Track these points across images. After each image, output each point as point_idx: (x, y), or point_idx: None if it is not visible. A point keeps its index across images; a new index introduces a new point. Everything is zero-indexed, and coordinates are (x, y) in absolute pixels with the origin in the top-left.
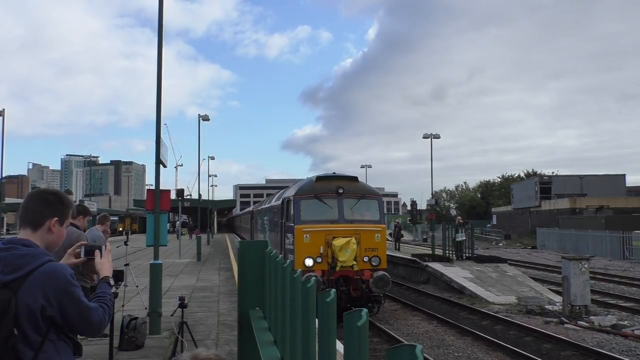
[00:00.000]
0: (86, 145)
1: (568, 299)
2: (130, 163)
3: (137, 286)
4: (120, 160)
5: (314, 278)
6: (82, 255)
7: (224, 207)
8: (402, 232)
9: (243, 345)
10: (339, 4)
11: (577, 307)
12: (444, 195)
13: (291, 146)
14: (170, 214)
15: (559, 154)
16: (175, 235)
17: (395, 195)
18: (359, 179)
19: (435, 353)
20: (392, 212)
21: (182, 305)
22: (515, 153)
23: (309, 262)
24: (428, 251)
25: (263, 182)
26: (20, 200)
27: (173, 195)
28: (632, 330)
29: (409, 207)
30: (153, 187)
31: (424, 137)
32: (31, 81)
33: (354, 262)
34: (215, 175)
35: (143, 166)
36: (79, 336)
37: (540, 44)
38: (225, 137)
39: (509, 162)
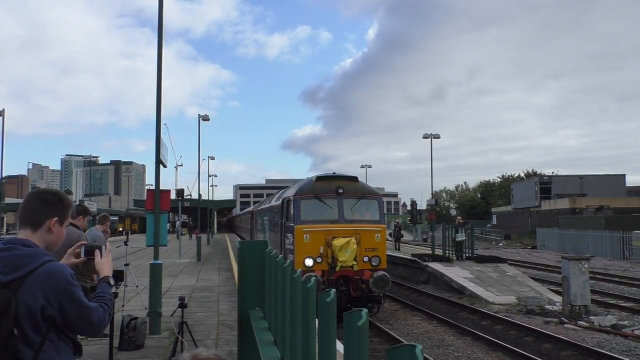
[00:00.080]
0: (86, 145)
1: (568, 299)
2: (130, 163)
3: (137, 286)
4: (120, 160)
5: (314, 278)
6: (82, 255)
7: (224, 207)
8: (402, 232)
9: (243, 345)
10: (339, 4)
11: (577, 307)
12: (444, 195)
13: (291, 146)
14: (170, 214)
15: (559, 154)
16: (175, 235)
17: (395, 195)
18: (359, 179)
19: (435, 353)
20: (392, 212)
21: (182, 305)
22: (515, 153)
23: (309, 262)
24: (428, 251)
25: (263, 182)
26: (20, 200)
27: (173, 195)
28: (632, 330)
29: (409, 207)
30: (153, 187)
31: (424, 137)
32: (31, 81)
33: (354, 262)
34: (215, 175)
35: (143, 166)
36: (79, 336)
37: (540, 44)
38: (225, 137)
39: (509, 162)
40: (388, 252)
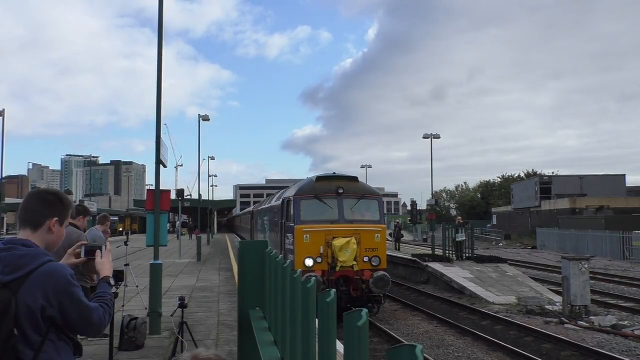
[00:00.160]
0: (86, 145)
1: (568, 299)
2: (130, 163)
3: (137, 286)
4: (120, 160)
5: (314, 278)
6: (82, 255)
7: (224, 207)
8: (402, 232)
9: (243, 345)
10: (339, 4)
11: (577, 307)
12: (444, 195)
13: (291, 146)
14: (170, 214)
15: (559, 154)
16: (175, 235)
17: (395, 195)
18: (359, 179)
19: (435, 353)
20: (392, 212)
21: (182, 305)
22: (515, 153)
23: (309, 262)
24: (428, 251)
25: (263, 182)
26: (20, 200)
27: (173, 195)
28: (632, 330)
29: (409, 207)
30: (153, 187)
31: (424, 137)
32: (31, 81)
33: (354, 262)
34: (215, 175)
35: (143, 166)
36: (79, 336)
37: (540, 44)
38: (225, 137)
39: (509, 162)
40: (388, 252)
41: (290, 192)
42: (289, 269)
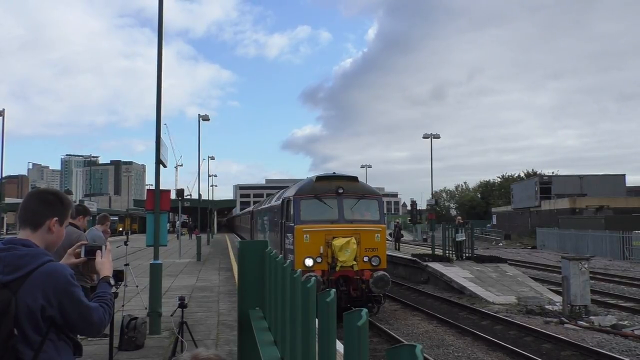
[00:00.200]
0: (86, 145)
1: (568, 299)
2: (130, 163)
3: (137, 286)
4: (120, 160)
5: (314, 278)
6: (82, 255)
7: (224, 207)
8: (402, 232)
9: (243, 345)
10: (339, 4)
11: (577, 307)
12: (444, 195)
13: (291, 146)
14: (170, 214)
15: (559, 154)
16: (175, 235)
17: (395, 195)
18: (359, 179)
19: (435, 353)
20: (392, 212)
21: (182, 305)
22: (515, 153)
23: (309, 262)
24: (428, 251)
25: (263, 182)
26: (20, 200)
27: (173, 195)
28: (632, 330)
29: (409, 207)
30: (153, 187)
31: (424, 137)
32: (31, 81)
33: (354, 262)
34: (215, 175)
35: (143, 166)
36: (79, 336)
37: (540, 44)
38: (225, 137)
39: (509, 162)
40: (388, 252)
41: (290, 192)
42: (289, 269)
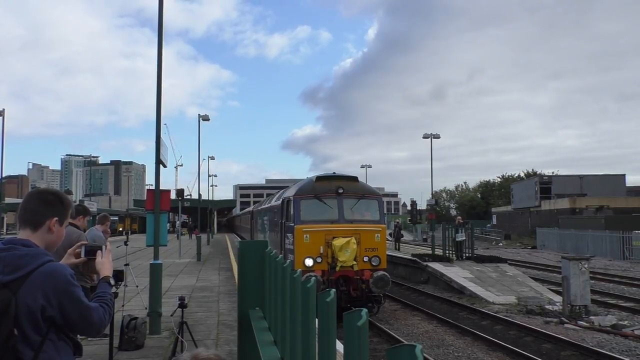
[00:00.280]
0: (86, 145)
1: (568, 299)
2: (130, 163)
3: (137, 286)
4: (120, 160)
5: (314, 278)
6: (82, 255)
7: (224, 207)
8: (402, 232)
9: (243, 345)
10: (339, 4)
11: (577, 307)
12: (444, 195)
13: (291, 146)
14: (170, 214)
15: (559, 154)
16: (175, 235)
17: (395, 195)
18: (359, 179)
19: (435, 353)
20: (392, 212)
21: (182, 305)
22: (515, 153)
23: (309, 262)
24: (428, 251)
25: (263, 182)
26: (20, 200)
27: (173, 195)
28: (632, 330)
29: (409, 207)
30: (153, 187)
31: (424, 137)
32: (31, 81)
33: (354, 262)
34: (215, 175)
35: (143, 166)
36: (79, 336)
37: (540, 44)
38: (225, 137)
39: (509, 162)
40: (388, 252)
41: (290, 192)
42: (289, 269)
